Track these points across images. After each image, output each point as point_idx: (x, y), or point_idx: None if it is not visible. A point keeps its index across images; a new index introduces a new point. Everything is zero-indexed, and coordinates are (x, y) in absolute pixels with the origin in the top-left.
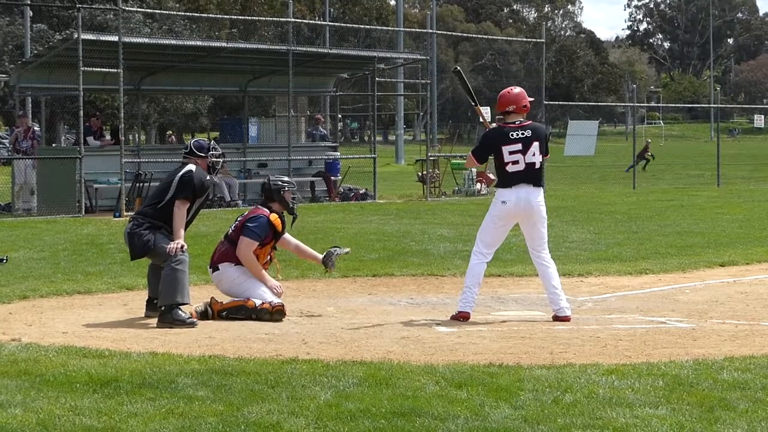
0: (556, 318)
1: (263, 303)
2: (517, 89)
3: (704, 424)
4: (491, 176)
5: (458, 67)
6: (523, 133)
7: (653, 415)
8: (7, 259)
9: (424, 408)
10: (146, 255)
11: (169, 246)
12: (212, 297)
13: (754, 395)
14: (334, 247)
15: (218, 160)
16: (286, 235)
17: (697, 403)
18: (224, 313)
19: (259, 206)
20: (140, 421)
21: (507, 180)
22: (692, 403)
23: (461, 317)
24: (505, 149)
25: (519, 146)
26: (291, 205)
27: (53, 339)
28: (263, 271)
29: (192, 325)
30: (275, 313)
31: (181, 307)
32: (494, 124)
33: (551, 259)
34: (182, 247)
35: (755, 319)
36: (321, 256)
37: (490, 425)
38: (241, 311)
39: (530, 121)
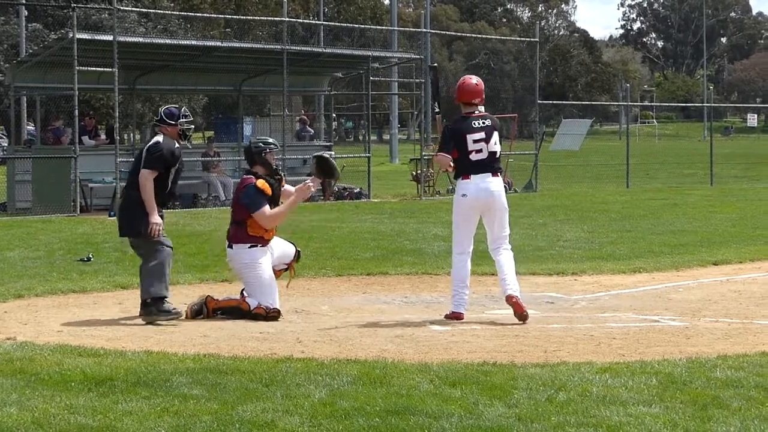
0: (507, 299)
1: (258, 306)
2: (476, 79)
3: (697, 422)
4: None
5: (436, 65)
6: (484, 122)
7: (647, 413)
8: (91, 258)
9: (418, 406)
10: (132, 237)
11: (149, 228)
12: (208, 295)
13: (747, 393)
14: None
15: (189, 127)
16: (285, 187)
17: (691, 402)
18: (219, 312)
19: (244, 176)
20: (135, 420)
21: (468, 169)
22: (685, 401)
23: (454, 317)
24: (470, 137)
25: (482, 134)
26: (275, 167)
27: (48, 338)
28: (286, 207)
29: (177, 315)
30: (269, 318)
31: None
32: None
33: (509, 249)
34: (158, 224)
35: (748, 318)
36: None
37: (484, 423)
38: (235, 312)
39: (486, 112)
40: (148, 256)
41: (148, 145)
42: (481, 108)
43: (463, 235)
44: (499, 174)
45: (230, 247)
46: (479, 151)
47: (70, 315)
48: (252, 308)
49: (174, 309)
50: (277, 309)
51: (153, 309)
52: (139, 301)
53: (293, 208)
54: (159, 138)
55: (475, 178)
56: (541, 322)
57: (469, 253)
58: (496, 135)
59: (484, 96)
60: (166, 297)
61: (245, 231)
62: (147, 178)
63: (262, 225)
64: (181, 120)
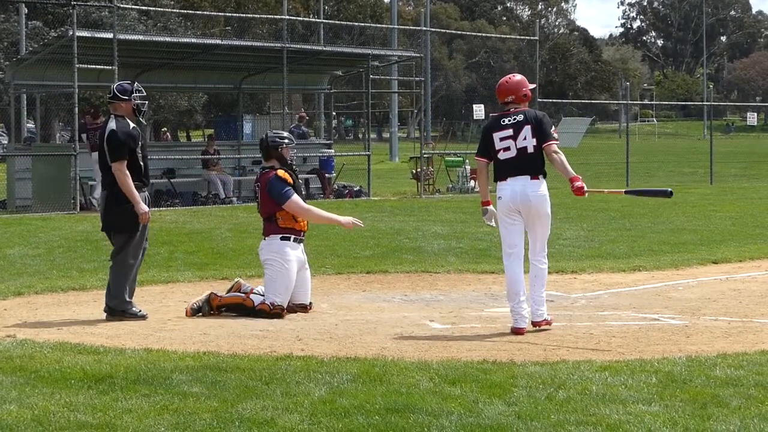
0: (533, 323)
1: (262, 303)
2: (517, 77)
3: (697, 420)
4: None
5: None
6: (515, 118)
7: (646, 411)
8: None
9: (417, 404)
10: (113, 233)
11: (138, 218)
12: (211, 292)
13: (746, 392)
14: None
15: (143, 102)
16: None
17: (690, 400)
18: (223, 309)
19: (261, 171)
20: (135, 417)
21: (500, 170)
22: (685, 399)
23: (515, 332)
24: (496, 136)
25: (510, 131)
26: (289, 162)
27: (48, 335)
28: (325, 214)
29: (142, 318)
30: (273, 315)
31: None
32: None
33: (542, 265)
34: (146, 213)
35: (748, 316)
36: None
37: (484, 421)
38: (239, 309)
39: (526, 108)
40: (119, 254)
41: (105, 136)
42: (520, 105)
43: (505, 235)
44: (540, 177)
45: (264, 239)
46: (507, 149)
47: (70, 313)
48: (256, 305)
49: (140, 312)
50: (282, 306)
51: (118, 312)
52: (139, 299)
53: (328, 221)
54: (112, 125)
55: (511, 181)
56: None
57: (517, 255)
58: (527, 129)
59: (520, 93)
60: (124, 310)
61: (276, 224)
62: (120, 170)
63: (295, 213)
64: (135, 95)
